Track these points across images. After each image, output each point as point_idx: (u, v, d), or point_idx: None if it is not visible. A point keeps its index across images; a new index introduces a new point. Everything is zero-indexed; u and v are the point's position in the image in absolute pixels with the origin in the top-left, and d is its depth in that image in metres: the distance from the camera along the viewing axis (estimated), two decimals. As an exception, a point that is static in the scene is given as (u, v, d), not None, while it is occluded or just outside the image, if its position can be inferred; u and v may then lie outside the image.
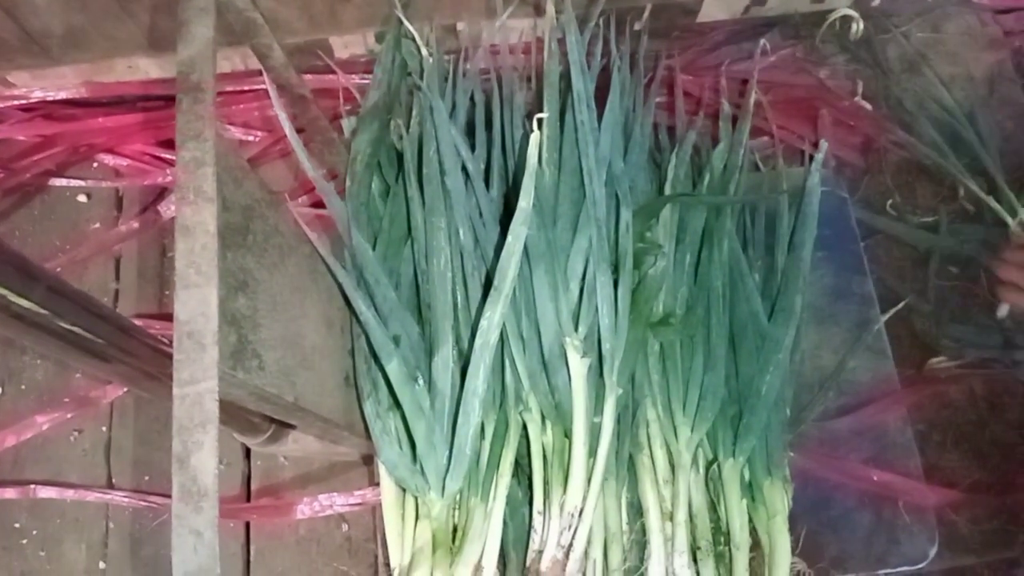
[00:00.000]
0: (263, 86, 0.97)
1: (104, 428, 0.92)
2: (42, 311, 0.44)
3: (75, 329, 0.47)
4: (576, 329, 0.64)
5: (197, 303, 0.43)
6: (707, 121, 0.90)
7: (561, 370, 0.65)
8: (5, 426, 0.90)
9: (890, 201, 0.96)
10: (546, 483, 0.66)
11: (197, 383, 0.42)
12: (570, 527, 0.63)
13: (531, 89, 0.89)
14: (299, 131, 0.79)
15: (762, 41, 0.92)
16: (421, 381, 0.62)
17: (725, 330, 0.75)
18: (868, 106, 0.98)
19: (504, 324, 0.63)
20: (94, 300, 0.51)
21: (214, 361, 0.42)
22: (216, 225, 0.45)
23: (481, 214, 0.67)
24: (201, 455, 0.42)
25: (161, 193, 0.98)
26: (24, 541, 0.88)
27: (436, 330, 0.63)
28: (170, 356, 0.42)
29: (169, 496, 0.90)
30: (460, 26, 0.97)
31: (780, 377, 0.74)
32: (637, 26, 0.93)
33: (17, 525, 0.88)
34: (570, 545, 0.63)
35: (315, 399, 0.57)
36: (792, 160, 0.95)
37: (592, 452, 0.63)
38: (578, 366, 0.64)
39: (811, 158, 0.85)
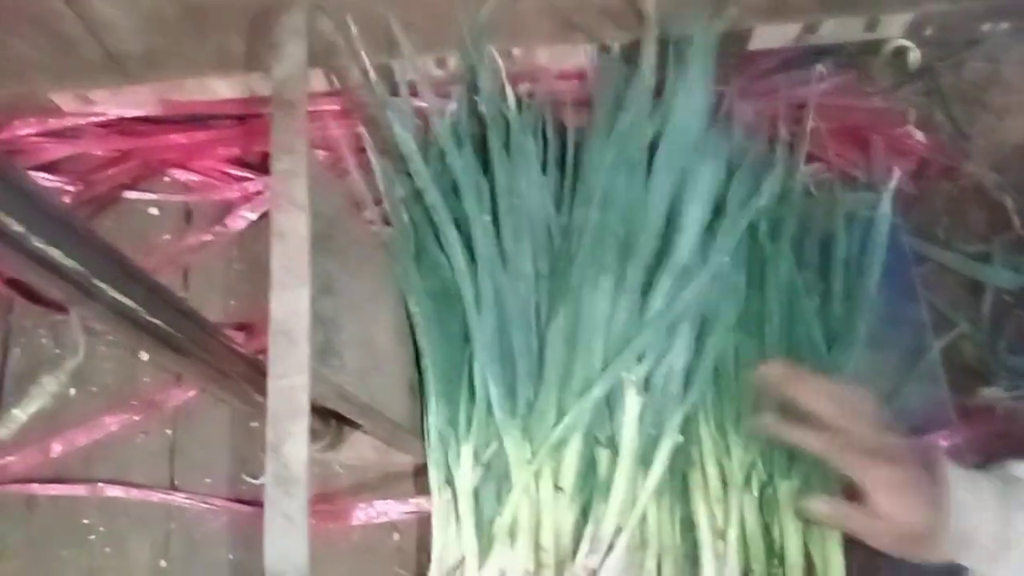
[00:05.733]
0: (325, 107, 1.02)
1: (168, 431, 0.95)
2: (135, 305, 0.47)
3: (159, 323, 0.50)
4: (638, 363, 0.65)
5: (290, 303, 0.46)
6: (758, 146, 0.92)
7: (619, 400, 0.66)
8: (76, 426, 0.94)
9: (941, 229, 0.96)
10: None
11: (289, 377, 0.45)
12: (609, 546, 0.64)
13: (585, 113, 0.92)
14: (362, 150, 0.83)
15: (818, 67, 0.94)
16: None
17: (781, 351, 0.76)
18: (920, 135, 0.99)
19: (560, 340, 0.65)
20: (176, 296, 0.54)
21: (305, 357, 0.45)
22: (308, 231, 0.48)
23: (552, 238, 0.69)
24: (292, 444, 0.44)
25: (228, 207, 1.02)
26: (92, 537, 0.91)
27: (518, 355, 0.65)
28: (241, 356, 0.45)
29: (229, 499, 0.94)
30: (516, 51, 1.00)
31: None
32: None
33: (86, 522, 0.92)
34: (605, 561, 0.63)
35: (385, 402, 0.59)
36: (836, 186, 0.96)
37: (639, 475, 0.65)
38: (633, 403, 0.65)
39: (868, 185, 0.86)
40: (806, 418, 0.62)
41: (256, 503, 0.92)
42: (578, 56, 0.99)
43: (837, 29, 0.98)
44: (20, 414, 0.70)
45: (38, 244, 0.38)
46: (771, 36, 0.99)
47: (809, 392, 0.62)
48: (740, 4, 0.92)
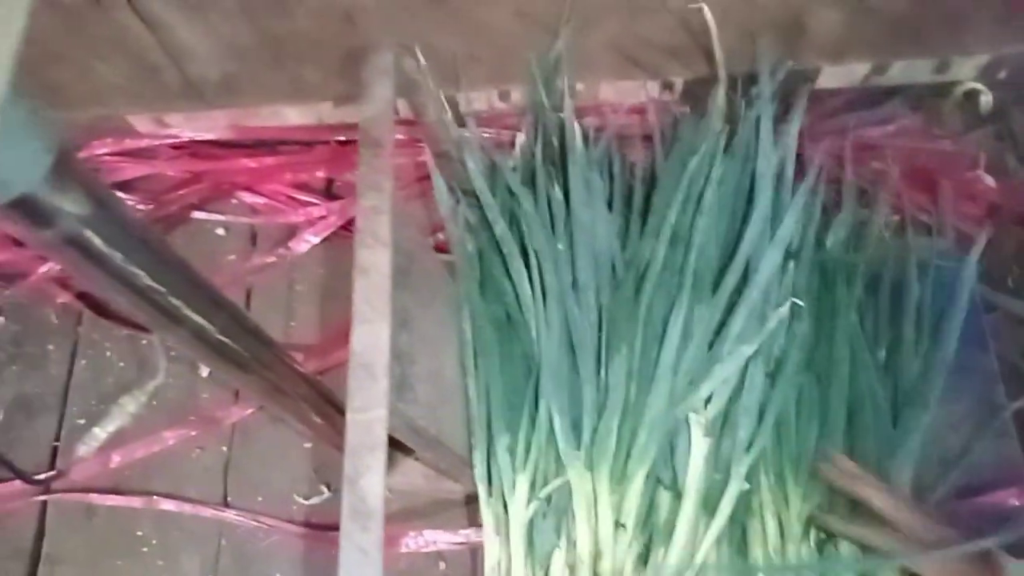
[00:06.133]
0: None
1: (225, 448, 0.97)
2: (206, 323, 0.48)
3: (226, 340, 0.51)
4: (705, 406, 0.65)
5: (371, 337, 0.47)
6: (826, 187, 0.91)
7: (681, 440, 0.66)
8: (136, 439, 0.96)
9: (1011, 277, 0.94)
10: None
11: (368, 410, 0.45)
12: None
13: (647, 148, 0.93)
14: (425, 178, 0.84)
15: (889, 108, 0.93)
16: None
17: (844, 399, 0.74)
18: (991, 179, 0.97)
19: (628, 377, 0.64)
20: (244, 314, 0.55)
21: (384, 391, 0.46)
22: (390, 267, 0.49)
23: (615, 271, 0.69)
24: (370, 477, 0.44)
25: (292, 231, 1.04)
26: (145, 549, 0.93)
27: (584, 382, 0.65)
28: (302, 376, 0.46)
29: (280, 518, 0.95)
30: (579, 87, 1.01)
31: (901, 453, 0.72)
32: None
33: (140, 533, 0.94)
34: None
35: (450, 433, 0.60)
36: (904, 229, 0.95)
37: (702, 520, 0.64)
38: (700, 444, 0.65)
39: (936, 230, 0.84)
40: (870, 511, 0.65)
41: (306, 524, 0.93)
42: (641, 92, 1.00)
43: (906, 71, 0.97)
44: (100, 432, 0.73)
45: (123, 264, 0.40)
46: (838, 76, 0.98)
47: (870, 492, 0.66)
48: (808, 44, 0.92)
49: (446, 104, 0.71)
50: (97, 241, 0.41)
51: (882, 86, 1.00)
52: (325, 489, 0.94)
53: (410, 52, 0.58)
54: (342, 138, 1.06)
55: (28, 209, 0.38)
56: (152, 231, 0.45)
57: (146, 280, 0.42)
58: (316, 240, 1.03)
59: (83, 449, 0.75)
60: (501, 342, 0.71)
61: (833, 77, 0.98)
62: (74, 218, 0.39)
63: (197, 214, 1.07)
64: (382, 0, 0.84)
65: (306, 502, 0.94)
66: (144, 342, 1.02)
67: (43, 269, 1.03)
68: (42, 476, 0.88)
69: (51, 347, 1.04)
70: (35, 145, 0.37)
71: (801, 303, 0.70)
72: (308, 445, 0.96)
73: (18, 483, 0.96)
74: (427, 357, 0.55)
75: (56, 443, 0.98)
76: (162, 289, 0.43)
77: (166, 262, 0.45)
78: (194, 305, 0.45)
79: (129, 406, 0.74)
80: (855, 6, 0.87)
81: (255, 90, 1.01)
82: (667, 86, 0.99)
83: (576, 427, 0.66)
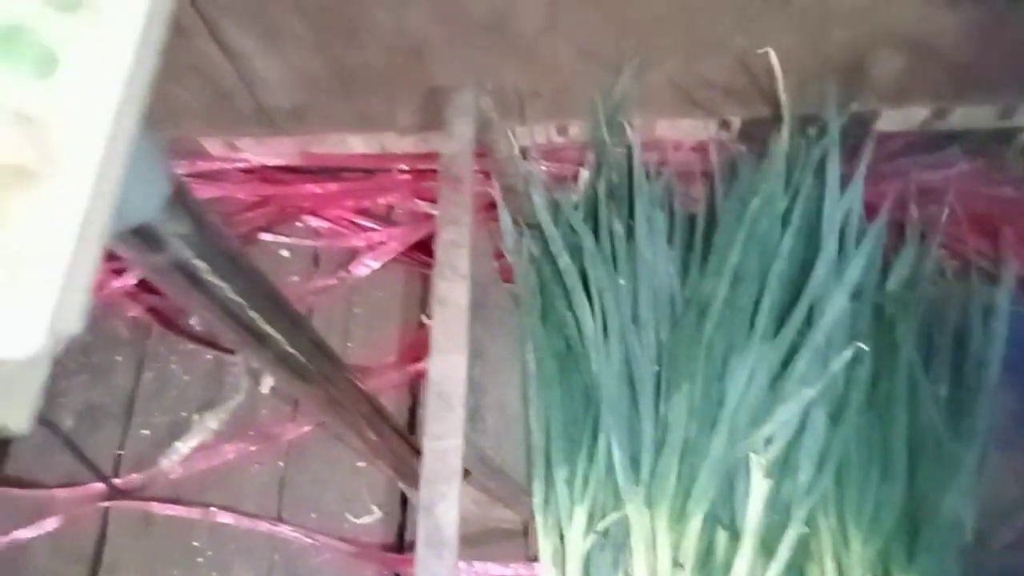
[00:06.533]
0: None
1: (281, 464, 0.99)
2: (276, 334, 0.51)
3: (295, 352, 0.53)
4: (766, 447, 0.65)
5: (448, 367, 0.49)
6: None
7: (741, 480, 0.66)
8: (196, 451, 0.99)
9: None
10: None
11: (444, 439, 0.47)
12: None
13: (708, 185, 0.94)
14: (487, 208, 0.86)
15: (950, 153, 0.93)
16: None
17: (904, 442, 0.74)
18: (1054, 226, 0.96)
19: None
20: (313, 329, 0.57)
21: (460, 421, 0.47)
22: (467, 299, 0.51)
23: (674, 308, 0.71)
24: (445, 506, 0.46)
25: (353, 255, 1.08)
26: (200, 560, 0.96)
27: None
28: (364, 393, 0.48)
29: (332, 537, 0.97)
30: (637, 123, 1.03)
31: (962, 498, 0.71)
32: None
33: (196, 544, 0.97)
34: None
35: (513, 463, 0.61)
36: (966, 274, 0.94)
37: (760, 562, 0.64)
38: (760, 485, 0.65)
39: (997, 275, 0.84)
40: None
41: (357, 543, 0.95)
42: (697, 129, 1.01)
43: (968, 117, 0.97)
44: (182, 446, 0.75)
45: (219, 284, 0.42)
46: (897, 120, 0.98)
47: None
48: (869, 88, 0.92)
49: (515, 141, 0.74)
50: (201, 265, 0.44)
51: (942, 130, 0.99)
52: (376, 509, 0.96)
53: (488, 91, 0.61)
54: (403, 167, 1.09)
55: (144, 235, 0.41)
56: (242, 251, 0.47)
57: (235, 296, 0.45)
58: (375, 264, 1.06)
59: (165, 462, 0.78)
60: (562, 374, 0.72)
61: (892, 121, 0.98)
62: (183, 244, 0.42)
63: (264, 236, 1.11)
64: (450, 36, 0.88)
65: (357, 521, 0.95)
66: (208, 357, 1.06)
67: (116, 283, 1.07)
68: (123, 483, 0.91)
69: (119, 358, 1.08)
70: (157, 176, 0.40)
71: (865, 347, 0.70)
72: (361, 465, 0.98)
73: (83, 489, 1.00)
74: (496, 388, 0.57)
75: (119, 452, 1.02)
76: (248, 304, 0.46)
77: (254, 281, 0.47)
78: (274, 320, 0.48)
79: (211, 422, 0.77)
80: (918, 51, 0.87)
81: (323, 118, 1.05)
82: (724, 124, 1.01)
83: (635, 462, 0.67)
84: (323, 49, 0.92)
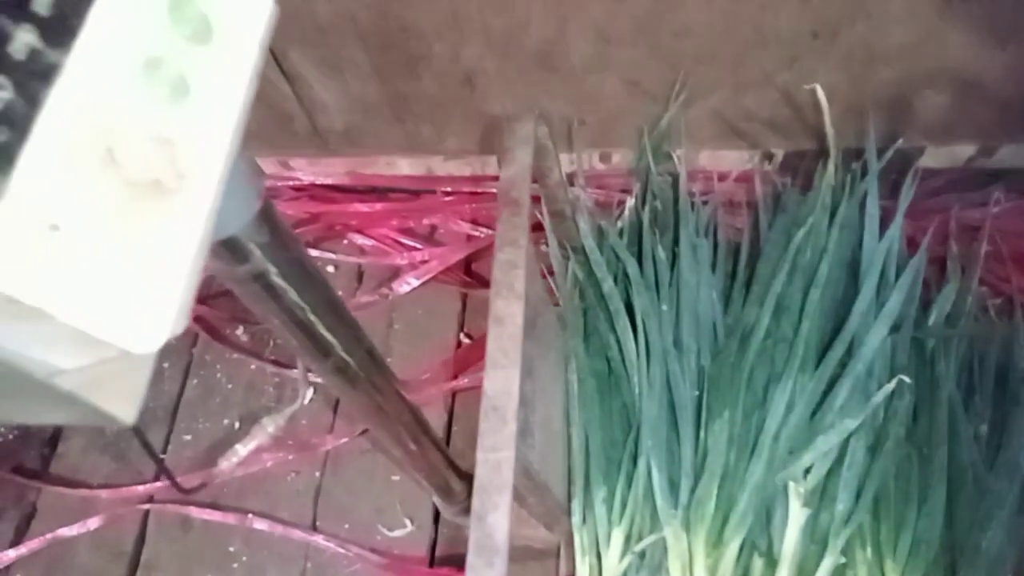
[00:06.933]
0: (492, 189, 1.10)
1: (317, 473, 1.01)
2: (338, 343, 0.53)
3: (350, 360, 0.55)
4: (805, 476, 0.66)
5: (502, 382, 0.51)
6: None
7: (779, 508, 0.66)
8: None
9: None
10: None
11: (498, 451, 0.49)
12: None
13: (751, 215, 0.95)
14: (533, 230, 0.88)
15: (996, 194, 0.93)
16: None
17: (943, 476, 0.74)
18: (1099, 268, 0.95)
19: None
20: (366, 336, 0.59)
21: (513, 434, 0.49)
22: (522, 318, 0.52)
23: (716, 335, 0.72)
24: (497, 515, 0.47)
25: (396, 273, 1.10)
26: (235, 565, 0.98)
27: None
28: (407, 403, 0.49)
29: (364, 548, 0.98)
30: (679, 152, 1.05)
31: (1003, 534, 0.71)
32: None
33: (231, 549, 0.99)
34: None
35: (554, 481, 0.62)
36: (1009, 312, 0.93)
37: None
38: (798, 514, 0.66)
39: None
40: None
41: (388, 555, 0.96)
42: (740, 160, 1.03)
43: (1014, 154, 0.97)
44: (242, 449, 0.78)
45: (285, 286, 0.45)
46: (942, 156, 0.99)
47: None
48: (914, 124, 0.93)
49: (563, 169, 0.76)
50: (278, 273, 0.46)
51: (986, 167, 1.00)
52: (408, 522, 0.97)
53: (544, 121, 0.63)
54: (448, 189, 1.12)
55: (232, 247, 0.44)
56: (313, 263, 0.50)
57: (302, 303, 0.47)
58: (417, 283, 1.09)
59: (225, 464, 0.81)
60: (603, 395, 0.73)
61: (937, 157, 0.99)
62: (265, 256, 0.45)
63: (311, 251, 1.14)
64: (502, 67, 0.91)
65: (390, 534, 0.97)
66: (252, 367, 1.09)
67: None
68: (190, 485, 0.93)
69: (166, 364, 1.11)
70: (249, 192, 0.43)
71: (908, 380, 0.70)
72: (395, 478, 1.00)
73: (126, 490, 1.03)
74: (544, 405, 0.58)
75: (163, 455, 1.05)
76: (315, 313, 0.48)
77: (321, 292, 0.50)
78: (336, 328, 0.50)
79: (270, 427, 0.79)
80: (965, 89, 0.88)
81: (374, 141, 1.08)
82: (767, 156, 1.02)
83: (673, 486, 0.68)
84: (380, 77, 0.96)
